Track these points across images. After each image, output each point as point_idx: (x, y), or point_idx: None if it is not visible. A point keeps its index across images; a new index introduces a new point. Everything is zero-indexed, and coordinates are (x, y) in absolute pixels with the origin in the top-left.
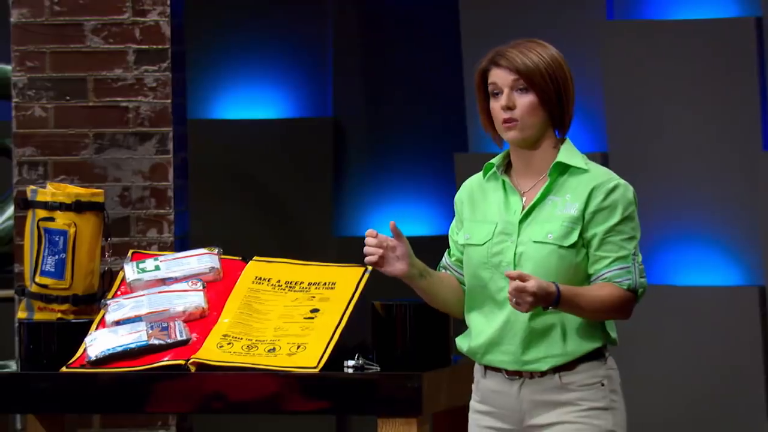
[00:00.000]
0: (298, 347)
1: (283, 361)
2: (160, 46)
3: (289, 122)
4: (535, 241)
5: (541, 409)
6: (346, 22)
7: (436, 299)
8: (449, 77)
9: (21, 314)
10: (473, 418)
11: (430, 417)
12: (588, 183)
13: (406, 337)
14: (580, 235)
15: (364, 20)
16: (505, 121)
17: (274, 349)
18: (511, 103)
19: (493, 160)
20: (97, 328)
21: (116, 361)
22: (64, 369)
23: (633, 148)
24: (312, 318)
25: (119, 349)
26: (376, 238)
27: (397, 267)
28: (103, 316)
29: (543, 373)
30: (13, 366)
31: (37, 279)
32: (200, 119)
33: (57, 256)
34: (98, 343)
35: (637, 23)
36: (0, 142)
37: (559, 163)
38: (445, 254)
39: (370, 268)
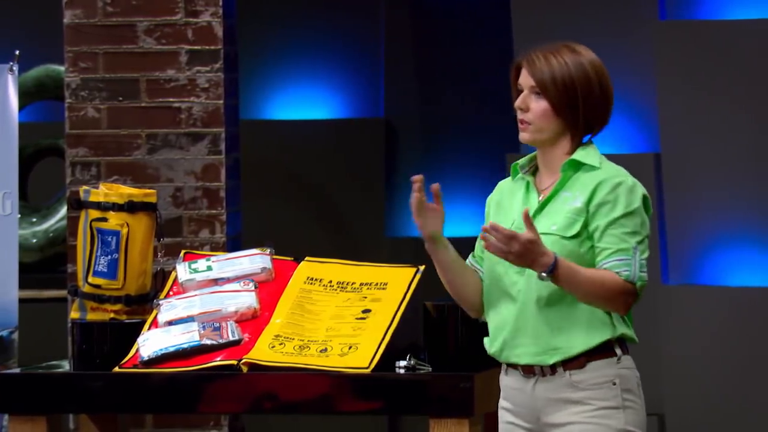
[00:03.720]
0: (350, 348)
1: (335, 361)
2: (212, 47)
3: (340, 122)
4: (540, 233)
5: (555, 408)
6: (398, 23)
7: (455, 282)
8: (501, 77)
9: (74, 314)
10: (500, 414)
11: (482, 417)
12: (596, 178)
13: (457, 337)
14: (586, 227)
15: (416, 21)
16: (520, 121)
17: (325, 349)
18: (524, 105)
19: (519, 161)
20: (149, 328)
21: (168, 361)
22: (116, 369)
23: (686, 149)
24: (364, 318)
25: (171, 349)
26: (418, 182)
27: (429, 224)
28: (156, 317)
29: (553, 371)
30: (66, 366)
31: (90, 279)
32: (252, 120)
33: (110, 257)
34: (151, 343)
35: (691, 23)
36: (53, 143)
37: (572, 161)
38: (470, 255)
39: (422, 268)
